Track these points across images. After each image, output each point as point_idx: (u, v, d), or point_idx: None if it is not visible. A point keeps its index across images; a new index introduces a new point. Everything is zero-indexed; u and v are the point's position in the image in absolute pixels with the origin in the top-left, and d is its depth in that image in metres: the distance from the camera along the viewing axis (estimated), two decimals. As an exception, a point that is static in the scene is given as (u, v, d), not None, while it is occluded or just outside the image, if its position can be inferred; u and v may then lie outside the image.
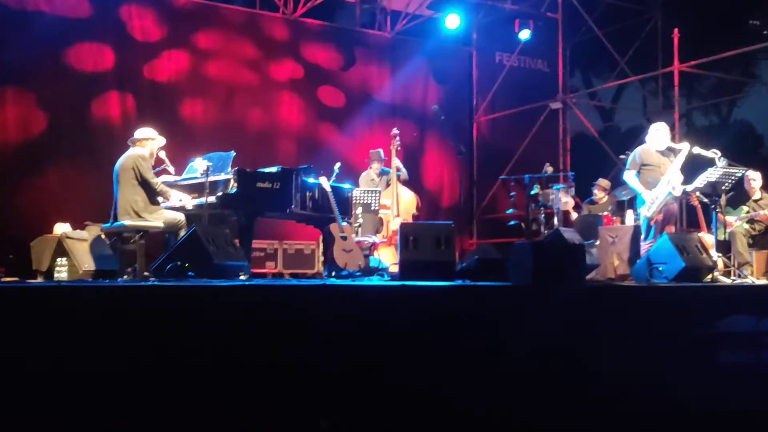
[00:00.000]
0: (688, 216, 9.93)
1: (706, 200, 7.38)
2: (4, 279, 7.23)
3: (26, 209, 9.48)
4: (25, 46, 9.87)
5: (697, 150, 7.20)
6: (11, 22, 9.83)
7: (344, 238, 7.22)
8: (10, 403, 2.96)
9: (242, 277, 5.60)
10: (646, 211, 7.26)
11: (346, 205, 7.58)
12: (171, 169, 6.75)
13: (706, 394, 4.70)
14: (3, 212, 9.41)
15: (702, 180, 7.00)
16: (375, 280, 6.18)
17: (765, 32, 15.62)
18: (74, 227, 7.64)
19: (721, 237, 7.34)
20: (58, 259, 6.76)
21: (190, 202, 6.55)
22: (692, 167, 7.32)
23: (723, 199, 7.14)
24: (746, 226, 7.80)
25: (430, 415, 3.75)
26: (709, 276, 5.98)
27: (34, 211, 9.39)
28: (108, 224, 6.41)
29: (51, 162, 9.90)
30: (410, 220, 8.64)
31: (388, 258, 8.28)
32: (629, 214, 8.57)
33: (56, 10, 10.18)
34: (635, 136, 12.42)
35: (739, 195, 8.04)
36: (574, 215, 10.02)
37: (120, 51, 10.64)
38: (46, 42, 10.01)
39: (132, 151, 6.40)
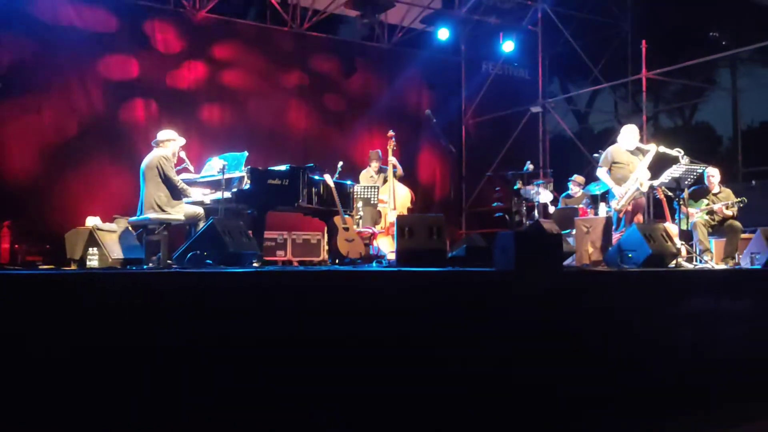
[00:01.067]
0: (654, 208, 9.93)
1: (670, 194, 7.39)
2: (41, 267, 7.24)
3: (61, 204, 9.49)
4: (60, 58, 9.88)
5: (662, 149, 7.22)
6: (48, 36, 9.82)
7: (346, 229, 7.22)
8: (43, 383, 2.96)
9: (255, 265, 5.60)
10: (616, 204, 7.28)
11: (348, 200, 7.57)
12: (191, 167, 6.75)
13: (669, 366, 4.72)
14: (40, 207, 9.42)
15: (667, 176, 7.01)
16: (374, 267, 6.18)
17: (723, 43, 15.59)
18: (104, 220, 7.64)
19: (684, 227, 7.35)
20: (90, 249, 6.76)
21: (208, 197, 6.55)
22: (658, 164, 7.33)
23: (686, 193, 7.15)
24: (706, 217, 7.80)
25: (424, 382, 3.77)
26: (674, 262, 5.98)
27: (67, 206, 9.40)
28: (134, 217, 6.41)
29: (83, 162, 9.90)
30: (406, 213, 8.63)
31: (386, 247, 8.28)
32: (602, 207, 8.57)
33: (87, 25, 10.18)
34: (607, 137, 12.42)
35: (700, 189, 8.05)
36: (552, 208, 10.01)
37: (144, 62, 10.64)
38: (78, 54, 10.01)
39: (156, 152, 6.39)
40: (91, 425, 3.01)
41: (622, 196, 7.18)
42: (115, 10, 10.42)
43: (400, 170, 8.94)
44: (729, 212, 7.76)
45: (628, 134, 7.46)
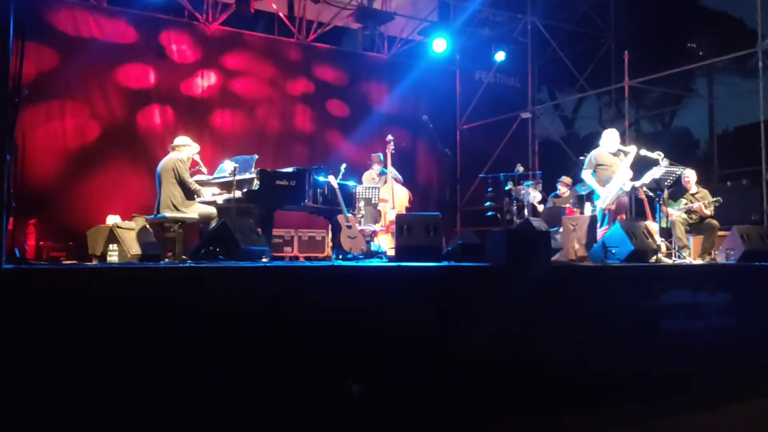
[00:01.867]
0: (636, 207, 9.91)
1: (651, 194, 7.40)
2: (65, 262, 7.25)
3: (82, 204, 9.48)
4: (82, 67, 9.86)
5: (643, 152, 7.22)
6: (70, 46, 9.82)
7: (349, 227, 7.22)
8: (68, 367, 2.96)
9: (264, 260, 5.60)
10: (601, 204, 7.28)
11: (350, 199, 7.56)
12: (204, 169, 6.76)
13: (651, 356, 4.72)
14: (64, 207, 9.42)
15: (648, 177, 7.02)
16: (375, 262, 6.18)
17: (701, 53, 15.59)
18: (123, 218, 7.64)
19: (664, 225, 7.35)
20: (110, 245, 6.75)
21: (221, 197, 6.55)
22: (640, 166, 7.34)
23: (665, 193, 7.15)
24: (684, 215, 7.80)
25: (420, 362, 3.77)
26: (654, 257, 5.99)
27: (89, 205, 9.40)
28: (152, 216, 6.41)
29: (103, 164, 9.89)
30: (404, 212, 8.63)
31: (386, 243, 8.28)
32: (587, 206, 8.57)
33: (107, 36, 10.17)
34: (592, 141, 12.39)
35: (678, 189, 8.05)
36: (541, 207, 10.01)
37: (160, 71, 10.63)
38: (98, 63, 10.01)
39: (172, 155, 6.40)
40: (113, 411, 3.01)
41: (606, 196, 7.19)
42: (133, 23, 10.41)
43: (399, 178, 8.95)
44: (707, 211, 7.76)
45: (610, 138, 7.47)
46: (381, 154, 9.13)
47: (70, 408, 2.94)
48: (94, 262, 6.86)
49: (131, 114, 10.31)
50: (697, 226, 7.82)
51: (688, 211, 7.81)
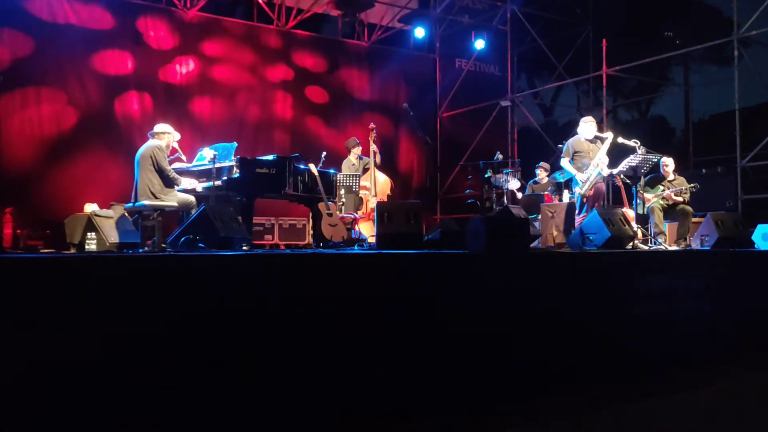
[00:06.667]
0: (613, 194, 10.01)
1: (628, 181, 7.46)
2: (42, 251, 7.15)
3: (60, 192, 9.38)
4: (57, 53, 9.73)
5: (620, 139, 7.28)
6: (45, 33, 9.68)
7: (330, 215, 7.20)
8: (45, 359, 2.93)
9: (244, 248, 5.57)
10: (579, 190, 7.33)
11: (331, 187, 7.54)
12: (183, 157, 6.69)
13: (627, 340, 4.78)
14: (41, 195, 9.31)
15: (625, 164, 7.08)
16: (356, 250, 6.18)
17: (677, 42, 15.72)
18: (101, 207, 7.55)
19: (641, 211, 7.42)
20: (88, 234, 6.67)
21: (200, 185, 6.49)
22: (617, 154, 7.40)
23: (642, 180, 7.22)
24: (661, 202, 7.89)
25: (399, 353, 3.79)
26: (631, 244, 6.05)
27: (67, 193, 9.30)
28: (130, 204, 6.34)
29: (81, 152, 9.78)
30: (385, 200, 8.62)
31: (366, 231, 8.27)
32: (566, 194, 8.64)
33: (83, 22, 10.04)
34: (571, 129, 12.43)
35: (657, 176, 8.13)
36: (520, 195, 10.07)
37: (138, 57, 10.51)
38: (74, 49, 9.89)
39: (151, 142, 6.33)
40: (86, 405, 2.99)
41: (585, 182, 7.25)
42: (109, 8, 10.28)
43: (378, 158, 8.90)
44: (679, 198, 7.85)
45: (586, 125, 7.52)
46: (355, 138, 9.08)
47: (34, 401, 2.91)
48: (72, 251, 6.78)
49: (109, 101, 10.20)
50: (671, 212, 7.92)
51: (663, 198, 7.90)
